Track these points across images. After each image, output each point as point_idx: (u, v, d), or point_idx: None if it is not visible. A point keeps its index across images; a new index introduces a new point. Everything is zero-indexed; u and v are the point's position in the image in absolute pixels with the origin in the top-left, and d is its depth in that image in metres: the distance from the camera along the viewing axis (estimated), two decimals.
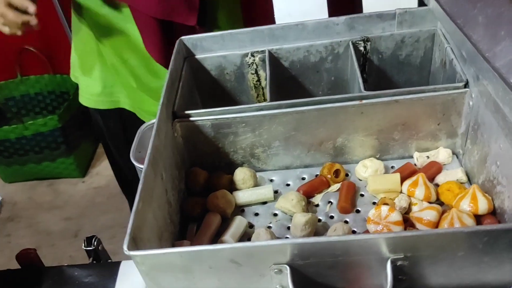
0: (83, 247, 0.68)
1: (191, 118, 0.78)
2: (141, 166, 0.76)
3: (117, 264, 0.65)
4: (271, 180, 0.84)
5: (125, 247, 0.52)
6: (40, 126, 2.12)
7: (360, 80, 0.79)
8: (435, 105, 0.76)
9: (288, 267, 0.53)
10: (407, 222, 0.70)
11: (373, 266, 0.55)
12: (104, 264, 0.67)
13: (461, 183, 0.76)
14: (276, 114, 0.77)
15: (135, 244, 0.55)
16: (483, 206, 0.68)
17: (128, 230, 0.54)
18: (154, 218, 0.64)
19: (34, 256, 0.67)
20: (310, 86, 0.95)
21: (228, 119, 0.78)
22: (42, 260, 0.70)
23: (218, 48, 0.90)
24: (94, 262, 0.67)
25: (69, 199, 2.25)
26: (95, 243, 0.67)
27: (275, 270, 0.54)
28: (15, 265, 0.71)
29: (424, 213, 0.69)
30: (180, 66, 0.87)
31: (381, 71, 0.92)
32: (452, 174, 0.77)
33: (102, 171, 2.32)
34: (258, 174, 0.84)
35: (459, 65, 0.76)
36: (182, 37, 0.89)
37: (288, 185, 0.83)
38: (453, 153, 0.81)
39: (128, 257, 0.57)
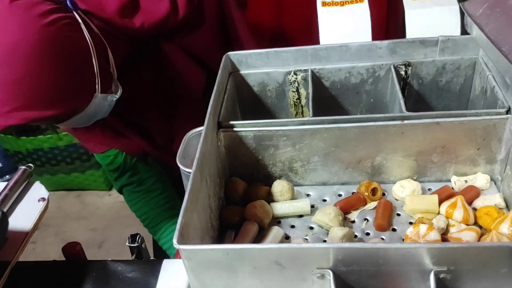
0: (127, 243, 0.70)
1: (235, 129, 0.81)
2: (188, 170, 0.79)
3: (160, 262, 0.67)
4: (308, 195, 0.86)
5: (175, 240, 0.54)
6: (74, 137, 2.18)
7: (402, 102, 0.80)
8: (476, 129, 0.77)
9: (331, 272, 0.54)
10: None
11: (413, 278, 0.55)
12: (146, 261, 0.69)
13: (499, 208, 0.76)
14: (318, 130, 0.79)
15: (183, 239, 0.57)
16: None
17: (178, 226, 0.56)
18: (199, 219, 0.66)
19: (80, 249, 0.69)
20: (349, 107, 0.97)
21: (270, 131, 0.80)
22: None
23: (262, 65, 0.94)
24: (137, 259, 0.69)
25: (95, 210, 2.29)
26: (139, 240, 0.69)
27: (318, 275, 0.55)
28: None
29: (463, 234, 0.69)
30: (226, 80, 0.91)
31: (420, 96, 0.94)
32: (490, 199, 0.78)
33: None
34: (295, 188, 0.86)
35: (501, 92, 0.78)
36: (229, 53, 0.92)
37: (324, 200, 0.84)
38: (491, 179, 0.82)
39: (168, 257, 0.58)
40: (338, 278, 0.55)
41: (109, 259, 0.68)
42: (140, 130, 1.02)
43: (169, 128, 1.03)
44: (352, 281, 0.56)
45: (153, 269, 0.66)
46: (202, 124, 0.71)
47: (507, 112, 0.75)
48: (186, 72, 0.99)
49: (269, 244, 0.53)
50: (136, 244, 0.69)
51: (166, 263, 0.67)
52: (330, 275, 0.55)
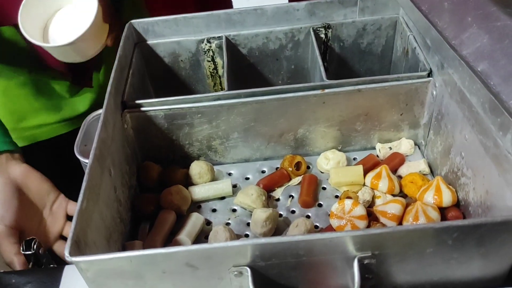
0: (21, 251, 0.61)
1: (143, 108, 0.73)
2: (86, 160, 0.70)
3: (60, 269, 0.59)
4: (230, 174, 0.80)
5: (66, 252, 0.47)
6: None
7: (322, 69, 0.75)
8: (398, 94, 0.73)
9: (249, 269, 0.49)
10: (371, 216, 0.68)
11: (338, 266, 0.51)
12: (45, 270, 0.61)
13: (424, 174, 0.75)
14: (235, 104, 0.72)
15: (78, 248, 0.49)
16: (447, 198, 0.66)
17: (70, 234, 0.48)
18: (101, 218, 0.58)
19: None
20: (269, 75, 0.91)
21: (182, 109, 0.73)
22: None
23: (171, 34, 0.85)
24: (35, 266, 0.61)
25: None
26: (35, 246, 0.61)
27: (235, 273, 0.50)
28: None
29: (388, 207, 0.67)
30: (130, 53, 0.81)
31: (342, 60, 0.90)
32: (414, 166, 0.76)
33: None
34: (216, 167, 0.79)
35: (422, 54, 0.74)
36: (132, 21, 0.82)
37: (247, 178, 0.79)
38: (416, 144, 0.80)
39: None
40: (257, 274, 0.50)
41: (1, 271, 0.59)
42: None
43: None
44: (272, 275, 0.51)
45: (53, 278, 0.58)
46: None
47: (429, 75, 0.72)
48: None
49: (177, 247, 0.47)
50: (31, 251, 0.60)
51: (68, 270, 0.59)
52: (248, 272, 0.50)
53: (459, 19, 0.59)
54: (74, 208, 0.71)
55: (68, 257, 0.47)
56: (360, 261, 0.50)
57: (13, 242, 0.64)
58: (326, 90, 0.72)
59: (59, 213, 0.73)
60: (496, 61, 0.53)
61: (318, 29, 0.84)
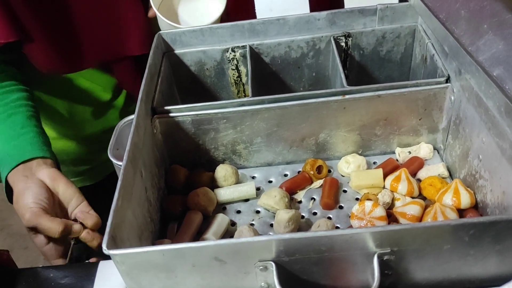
0: None
1: (171, 114, 0.76)
2: (119, 163, 0.74)
3: (95, 264, 0.63)
4: (253, 177, 0.83)
5: (104, 246, 0.50)
6: None
7: (343, 75, 0.78)
8: (417, 100, 0.76)
9: (273, 264, 0.52)
10: (390, 217, 0.70)
11: (358, 262, 0.54)
12: (81, 265, 0.65)
13: (443, 178, 0.76)
14: (258, 110, 0.76)
15: (114, 243, 0.53)
16: (465, 200, 0.68)
17: (107, 229, 0.52)
18: (134, 216, 0.62)
19: (7, 258, 0.64)
20: (291, 82, 0.94)
21: (209, 115, 0.76)
22: (15, 263, 0.67)
23: (198, 43, 0.89)
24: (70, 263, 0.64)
25: None
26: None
27: (260, 267, 0.53)
28: None
29: (408, 208, 0.69)
30: (159, 61, 0.85)
31: (362, 67, 0.92)
32: (433, 169, 0.77)
33: None
34: (240, 171, 0.83)
35: (440, 60, 0.76)
36: (161, 32, 0.87)
37: (270, 182, 0.82)
38: (434, 148, 0.82)
39: (107, 257, 0.55)
40: (281, 269, 0.53)
41: (40, 266, 0.63)
42: None
43: None
44: (296, 270, 0.54)
45: (88, 272, 0.61)
46: None
47: (447, 81, 0.74)
48: None
49: (206, 241, 0.50)
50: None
51: (103, 265, 0.63)
52: (273, 267, 0.52)
53: (475, 27, 0.61)
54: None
55: (105, 250, 0.50)
56: (380, 257, 0.52)
57: (52, 217, 0.67)
58: (347, 96, 0.74)
59: (78, 218, 0.74)
60: (511, 66, 0.55)
61: (339, 37, 0.87)
